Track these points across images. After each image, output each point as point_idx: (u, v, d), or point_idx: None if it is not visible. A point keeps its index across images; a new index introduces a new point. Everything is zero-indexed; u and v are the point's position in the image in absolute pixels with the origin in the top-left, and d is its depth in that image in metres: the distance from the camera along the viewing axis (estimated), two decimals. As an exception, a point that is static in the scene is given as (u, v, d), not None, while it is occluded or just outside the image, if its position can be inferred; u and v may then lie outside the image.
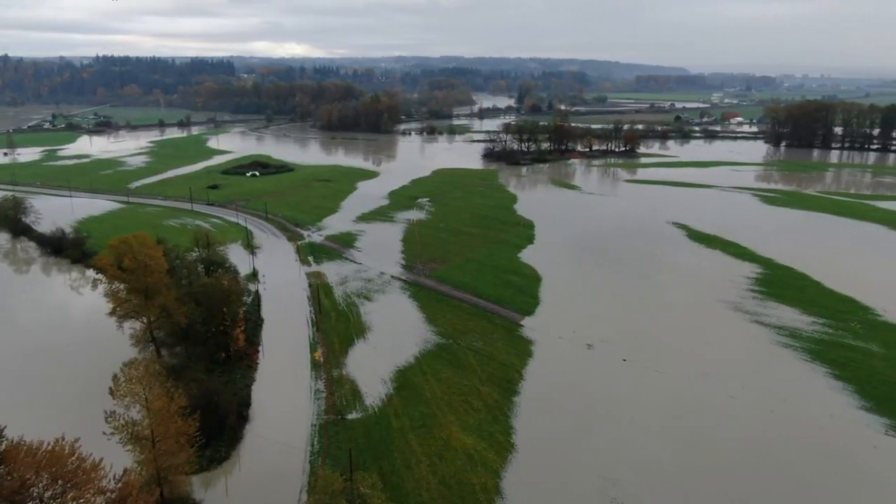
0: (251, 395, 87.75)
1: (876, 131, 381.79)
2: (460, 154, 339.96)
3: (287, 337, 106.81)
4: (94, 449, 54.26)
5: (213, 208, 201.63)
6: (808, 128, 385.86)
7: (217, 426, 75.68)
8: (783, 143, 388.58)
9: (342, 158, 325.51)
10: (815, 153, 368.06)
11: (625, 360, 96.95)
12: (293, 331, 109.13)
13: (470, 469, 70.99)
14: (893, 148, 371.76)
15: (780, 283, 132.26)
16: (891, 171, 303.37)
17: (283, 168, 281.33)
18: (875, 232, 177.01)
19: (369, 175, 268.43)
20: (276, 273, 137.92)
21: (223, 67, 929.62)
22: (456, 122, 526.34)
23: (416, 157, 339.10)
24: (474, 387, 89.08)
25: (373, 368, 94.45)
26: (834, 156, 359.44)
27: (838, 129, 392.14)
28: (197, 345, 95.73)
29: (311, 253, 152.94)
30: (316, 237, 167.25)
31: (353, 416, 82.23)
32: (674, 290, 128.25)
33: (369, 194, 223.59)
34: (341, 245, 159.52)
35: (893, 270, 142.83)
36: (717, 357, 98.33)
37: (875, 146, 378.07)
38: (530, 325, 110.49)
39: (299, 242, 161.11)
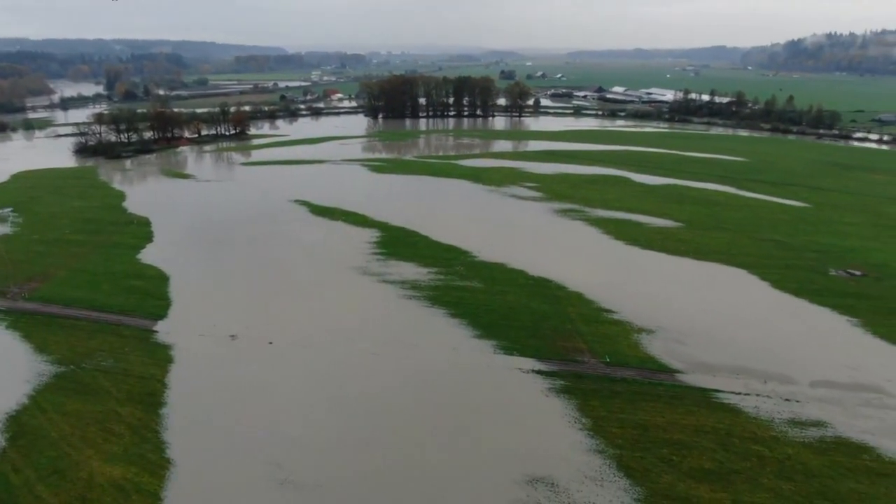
0: None
1: (451, 100, 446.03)
2: (46, 152, 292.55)
3: None
4: None
5: None
6: (398, 100, 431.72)
7: None
8: (380, 116, 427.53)
9: None
10: (408, 122, 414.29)
11: (271, 343, 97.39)
12: None
13: (123, 501, 63.97)
14: (465, 113, 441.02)
15: (397, 242, 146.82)
16: (466, 134, 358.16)
17: None
18: (461, 186, 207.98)
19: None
20: None
21: None
22: (33, 115, 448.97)
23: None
24: (112, 410, 79.83)
25: (-28, 423, 77.60)
26: (422, 124, 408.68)
27: (422, 100, 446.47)
28: None
29: None
30: None
31: (-47, 487, 66.70)
32: (306, 266, 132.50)
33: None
34: None
35: (478, 216, 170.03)
36: (355, 321, 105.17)
37: (451, 113, 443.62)
38: (165, 329, 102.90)
39: None
